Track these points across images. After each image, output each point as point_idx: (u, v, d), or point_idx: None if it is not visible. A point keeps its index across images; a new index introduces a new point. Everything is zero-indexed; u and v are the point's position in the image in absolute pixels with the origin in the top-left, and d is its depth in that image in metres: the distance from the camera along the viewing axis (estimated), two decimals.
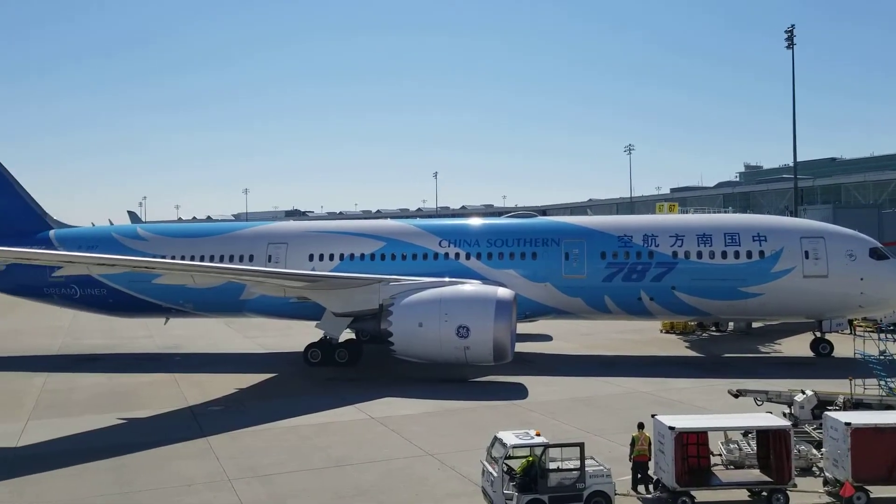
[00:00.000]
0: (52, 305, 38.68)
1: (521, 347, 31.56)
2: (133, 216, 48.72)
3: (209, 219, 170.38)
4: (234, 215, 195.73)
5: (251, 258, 34.63)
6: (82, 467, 17.91)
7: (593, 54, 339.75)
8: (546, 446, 14.68)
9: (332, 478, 17.11)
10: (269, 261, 34.27)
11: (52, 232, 38.52)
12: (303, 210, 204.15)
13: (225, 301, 33.52)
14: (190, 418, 23.10)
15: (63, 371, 31.83)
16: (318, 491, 16.30)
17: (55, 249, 36.25)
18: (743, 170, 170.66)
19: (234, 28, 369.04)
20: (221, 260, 34.66)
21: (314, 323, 31.62)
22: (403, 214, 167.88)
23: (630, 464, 16.18)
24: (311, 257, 34.22)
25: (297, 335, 36.55)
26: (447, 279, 30.41)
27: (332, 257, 34.20)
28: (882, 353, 23.76)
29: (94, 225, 40.76)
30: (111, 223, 40.99)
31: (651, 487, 15.81)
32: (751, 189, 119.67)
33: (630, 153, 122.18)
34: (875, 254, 31.13)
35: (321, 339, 31.83)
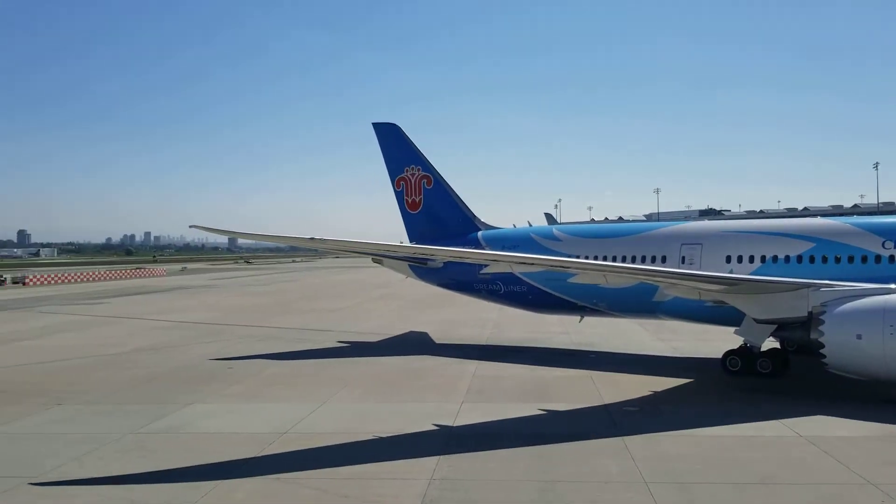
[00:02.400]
0: (480, 300, 42.48)
1: None
2: (549, 218, 51.47)
3: (620, 219, 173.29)
4: (645, 216, 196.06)
5: (663, 259, 33.94)
6: (509, 451, 19.12)
7: None
8: None
9: (756, 495, 15.72)
10: (683, 262, 33.20)
11: (479, 233, 42.41)
12: (718, 209, 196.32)
13: (637, 302, 33.35)
14: (605, 416, 23.35)
15: (491, 360, 34.76)
16: None
17: (482, 249, 39.85)
18: None
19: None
20: (633, 260, 34.58)
21: (732, 329, 29.82)
22: (836, 212, 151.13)
23: None
24: (728, 259, 32.31)
25: (714, 340, 34.88)
26: (893, 286, 26.18)
27: (752, 259, 31.87)
28: None
29: (515, 226, 43.81)
30: (530, 224, 43.66)
31: None
32: None
33: None
34: None
35: (741, 346, 29.85)
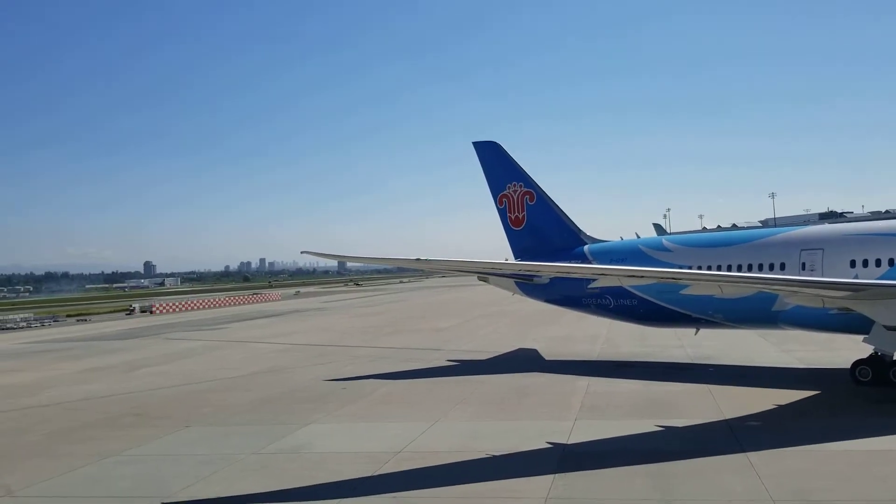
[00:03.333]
0: (589, 314, 41.82)
1: None
2: (658, 228, 50.06)
3: (734, 226, 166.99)
4: (760, 221, 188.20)
5: (782, 266, 32.44)
6: (626, 469, 18.65)
7: None
8: None
9: None
10: (803, 268, 31.62)
11: (585, 247, 41.83)
12: (839, 211, 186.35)
13: (756, 312, 31.98)
14: (727, 431, 22.41)
15: (603, 376, 34.09)
16: None
17: (589, 263, 39.29)
18: None
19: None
20: (749, 268, 33.23)
21: (860, 337, 28.13)
22: None
23: None
24: (852, 263, 30.52)
25: (842, 350, 33.00)
26: None
27: (878, 263, 29.99)
28: None
29: (622, 239, 43.01)
30: (638, 236, 42.74)
31: None
32: None
33: None
34: None
35: (871, 355, 28.15)
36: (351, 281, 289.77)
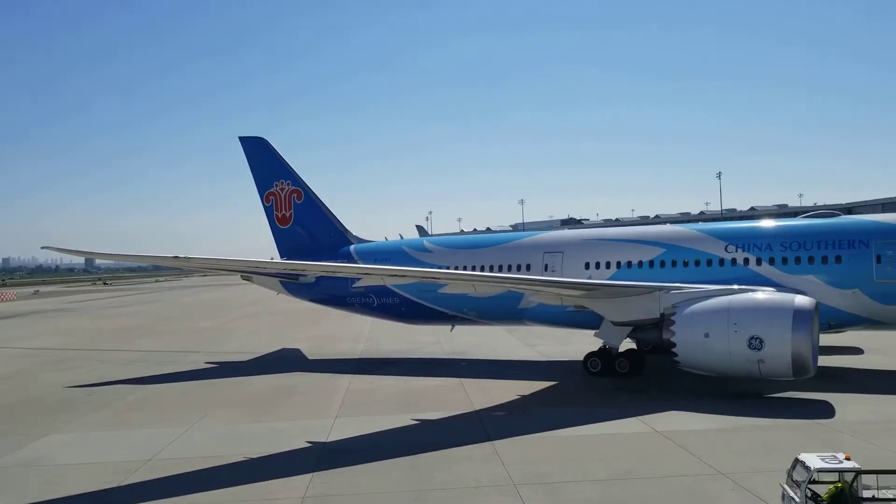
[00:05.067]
0: (354, 313, 42.40)
1: (825, 361, 28.49)
2: (420, 230, 52.05)
3: (489, 230, 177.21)
4: (511, 226, 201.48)
5: (528, 267, 35.21)
6: (382, 463, 19.27)
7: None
8: (859, 472, 12.96)
9: (618, 491, 16.64)
10: (546, 269, 34.57)
11: (352, 247, 42.38)
12: (577, 218, 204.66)
13: (505, 309, 34.35)
14: (476, 422, 23.94)
15: (365, 373, 34.79)
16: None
17: (355, 263, 39.89)
18: None
19: (511, 50, 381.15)
20: (500, 269, 35.66)
21: (592, 332, 31.31)
22: (684, 219, 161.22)
23: None
24: (587, 265, 33.92)
25: (577, 344, 36.45)
26: (735, 287, 28.39)
27: (608, 265, 33.59)
28: None
29: (387, 239, 44.11)
30: (401, 237, 44.08)
31: None
32: None
33: None
34: None
35: (600, 348, 31.42)
36: (99, 280, 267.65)
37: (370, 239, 44.02)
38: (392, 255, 39.58)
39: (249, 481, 18.09)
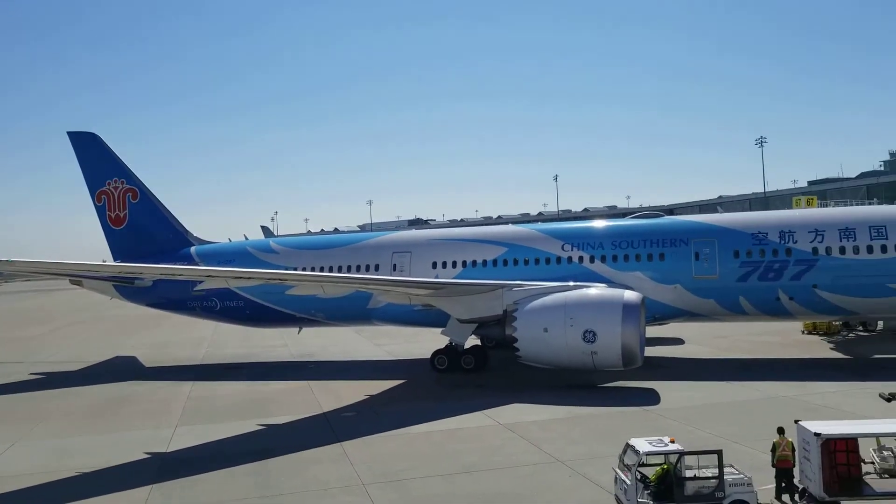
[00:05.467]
0: (196, 318, 40.89)
1: (650, 352, 30.64)
2: (266, 230, 50.98)
3: (336, 230, 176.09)
4: (359, 226, 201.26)
5: (377, 267, 35.43)
6: (227, 471, 18.81)
7: (719, 41, 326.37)
8: (682, 453, 14.17)
9: (464, 483, 17.18)
10: (394, 269, 34.93)
11: (192, 248, 40.83)
12: (425, 219, 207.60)
13: (353, 310, 34.38)
14: (325, 424, 23.85)
15: (207, 380, 33.66)
16: (450, 497, 16.40)
17: (196, 265, 38.45)
18: (888, 158, 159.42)
19: (359, 51, 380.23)
20: (349, 270, 35.64)
21: (440, 330, 32.00)
22: (525, 219, 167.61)
23: (773, 471, 15.32)
24: (434, 265, 34.61)
25: (425, 342, 37.06)
26: (571, 283, 29.98)
27: (454, 264, 34.45)
28: None
29: (230, 240, 42.87)
30: (246, 238, 43.01)
31: (797, 497, 14.90)
32: None
33: (762, 146, 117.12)
34: None
35: (447, 345, 32.13)
36: None
37: (212, 240, 42.64)
38: (236, 256, 38.54)
39: (83, 497, 17.11)
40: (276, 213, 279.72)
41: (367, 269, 35.58)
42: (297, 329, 38.62)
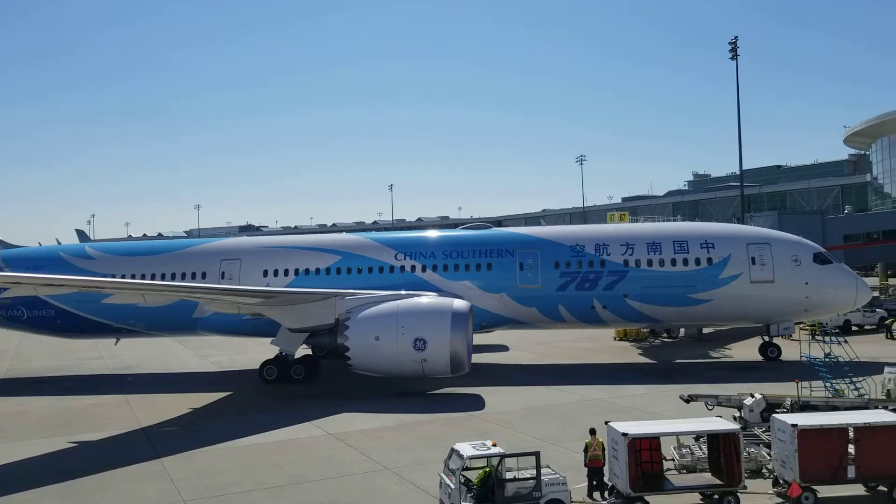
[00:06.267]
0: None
1: (477, 358, 31.74)
2: (81, 234, 47.45)
3: (160, 236, 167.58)
4: (185, 232, 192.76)
5: (203, 275, 34.23)
6: (34, 492, 17.48)
7: (543, 66, 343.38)
8: (502, 456, 14.83)
9: (290, 495, 17.00)
10: (223, 277, 33.92)
11: None
12: (256, 225, 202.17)
13: (177, 319, 33.06)
14: (143, 440, 22.69)
15: (10, 395, 31.03)
16: None
17: (1, 270, 35.38)
18: (691, 178, 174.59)
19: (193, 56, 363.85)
20: (173, 278, 34.17)
21: (269, 340, 31.38)
22: (359, 228, 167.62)
23: (586, 470, 16.39)
24: (265, 273, 33.97)
25: (253, 352, 36.19)
26: (403, 292, 30.47)
27: (286, 272, 33.99)
28: (827, 355, 24.52)
29: (41, 245, 39.81)
30: (59, 242, 40.12)
31: (606, 494, 16.04)
32: (699, 197, 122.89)
33: (582, 164, 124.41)
34: (819, 258, 32.10)
35: (277, 355, 31.57)
36: None
37: (20, 244, 39.43)
38: (47, 262, 35.85)
39: None
40: (94, 216, 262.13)
41: (194, 276, 34.28)
42: (115, 340, 36.50)
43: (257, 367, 32.04)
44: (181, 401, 28.13)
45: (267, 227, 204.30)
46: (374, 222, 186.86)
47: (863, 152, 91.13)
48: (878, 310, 43.68)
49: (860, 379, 23.09)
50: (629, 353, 37.78)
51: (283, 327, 30.73)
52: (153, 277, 34.10)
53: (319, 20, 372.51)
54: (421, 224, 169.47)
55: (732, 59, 62.00)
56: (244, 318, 31.54)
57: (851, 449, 15.70)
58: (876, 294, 47.85)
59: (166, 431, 23.78)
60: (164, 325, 34.29)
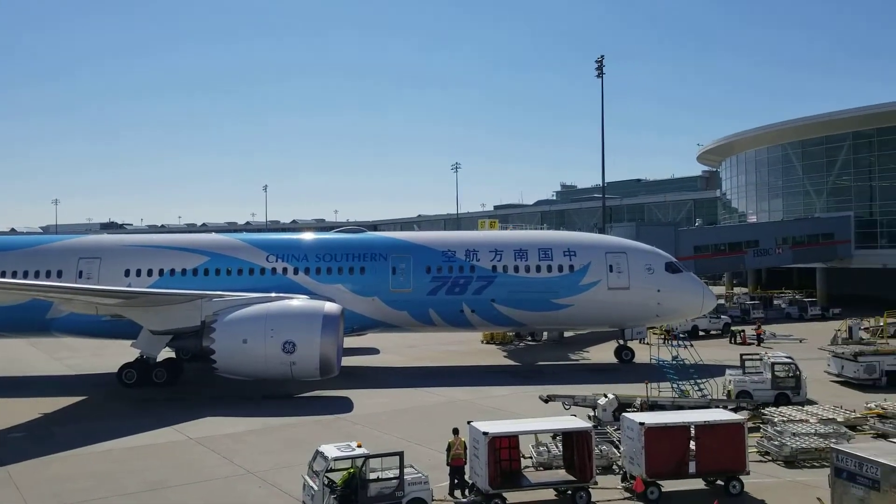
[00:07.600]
0: None
1: (348, 361, 31.80)
2: None
3: (13, 231, 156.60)
4: (42, 228, 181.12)
5: (59, 273, 32.51)
6: None
7: (424, 73, 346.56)
8: (366, 457, 15.10)
9: (148, 501, 16.58)
10: (80, 276, 32.34)
11: None
12: (120, 223, 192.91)
13: (29, 320, 31.27)
14: None
15: None
16: None
17: None
18: (559, 189, 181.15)
19: (71, 38, 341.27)
20: (26, 276, 32.24)
21: (130, 342, 30.18)
22: (231, 228, 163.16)
23: (448, 469, 16.91)
24: (127, 272, 32.66)
25: (112, 355, 34.62)
26: (274, 294, 30.14)
27: (150, 272, 32.82)
28: (674, 358, 26.34)
29: None
30: None
31: (467, 492, 16.62)
32: (565, 207, 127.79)
33: (457, 171, 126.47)
34: (670, 268, 34.26)
35: (137, 358, 30.33)
36: None
37: None
38: None
39: None
40: None
41: (49, 275, 32.47)
42: None
43: (116, 370, 30.69)
44: (31, 405, 26.56)
45: (131, 224, 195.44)
46: (247, 223, 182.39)
47: (714, 169, 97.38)
48: (723, 316, 47.01)
49: (704, 380, 24.97)
50: (495, 356, 38.89)
51: (144, 329, 29.65)
52: (3, 275, 32.05)
53: None
54: (295, 226, 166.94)
55: (598, 76, 64.99)
56: (103, 319, 30.22)
57: (693, 446, 17.05)
58: (721, 302, 51.41)
59: (13, 438, 22.47)
60: (14, 325, 32.27)
